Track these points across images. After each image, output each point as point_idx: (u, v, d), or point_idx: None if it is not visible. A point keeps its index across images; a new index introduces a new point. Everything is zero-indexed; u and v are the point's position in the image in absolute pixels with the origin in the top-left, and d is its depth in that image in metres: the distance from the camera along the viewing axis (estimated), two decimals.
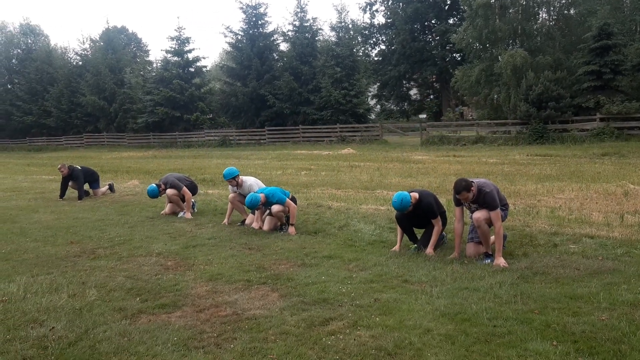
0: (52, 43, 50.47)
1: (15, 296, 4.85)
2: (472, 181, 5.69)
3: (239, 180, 8.22)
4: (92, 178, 12.07)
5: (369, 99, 39.39)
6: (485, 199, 5.61)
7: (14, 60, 48.01)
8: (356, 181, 12.66)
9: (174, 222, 8.42)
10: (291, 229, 7.30)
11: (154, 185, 9.14)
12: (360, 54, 40.52)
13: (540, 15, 29.30)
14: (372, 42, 47.57)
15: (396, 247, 6.19)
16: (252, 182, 8.20)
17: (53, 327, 4.06)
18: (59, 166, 11.95)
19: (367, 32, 46.92)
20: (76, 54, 47.20)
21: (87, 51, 45.63)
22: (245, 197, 7.72)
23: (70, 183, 11.77)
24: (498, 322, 3.87)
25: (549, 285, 4.69)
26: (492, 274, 5.02)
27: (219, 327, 4.00)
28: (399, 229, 6.35)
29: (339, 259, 5.79)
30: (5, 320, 4.26)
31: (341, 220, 7.88)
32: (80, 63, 45.28)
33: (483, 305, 4.21)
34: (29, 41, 48.97)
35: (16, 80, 46.75)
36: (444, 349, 3.50)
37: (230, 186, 8.35)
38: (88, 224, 8.45)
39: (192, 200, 9.24)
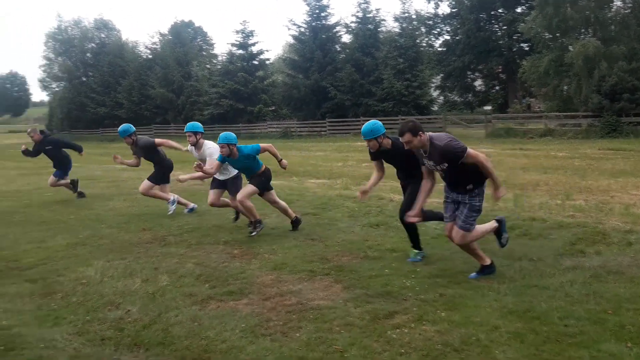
0: (124, 37, 52.60)
1: (93, 279, 5.13)
2: (420, 126, 4.69)
3: (200, 141, 7.78)
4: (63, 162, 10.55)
5: (432, 90, 38.74)
6: (443, 151, 4.55)
7: (88, 54, 50.30)
8: None
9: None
10: (284, 162, 7.02)
11: None
12: (424, 44, 39.82)
13: (615, 3, 27.81)
14: (436, 32, 46.64)
15: (365, 186, 5.73)
16: (214, 150, 7.49)
17: (129, 310, 4.27)
18: (29, 130, 10.60)
19: (431, 22, 46.03)
20: (146, 47, 49.11)
21: (157, 45, 47.28)
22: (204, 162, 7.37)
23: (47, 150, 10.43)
24: (569, 322, 3.74)
25: (623, 285, 4.49)
26: (563, 272, 4.85)
27: (284, 315, 4.08)
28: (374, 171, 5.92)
29: (403, 253, 5.76)
30: (84, 302, 4.51)
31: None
32: (150, 56, 46.99)
33: (553, 303, 4.08)
34: (103, 36, 51.18)
35: (90, 73, 49.04)
36: (513, 347, 3.43)
37: (189, 145, 7.89)
38: (159, 212, 8.79)
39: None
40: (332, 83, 34.12)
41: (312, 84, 34.71)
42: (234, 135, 6.92)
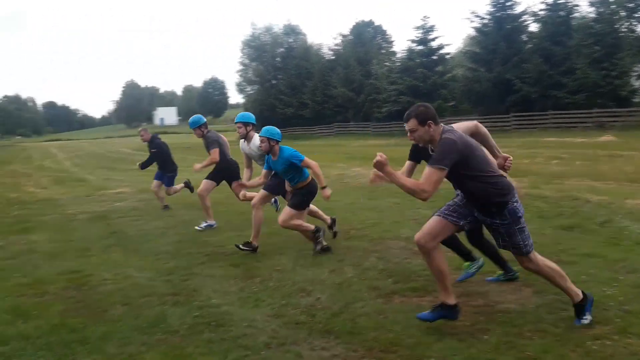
0: (309, 41, 55.48)
1: (286, 267, 5.54)
2: (433, 114, 3.62)
3: (250, 133, 6.92)
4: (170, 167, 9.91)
5: (634, 80, 34.52)
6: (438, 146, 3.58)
7: (277, 59, 54.03)
8: (619, 172, 11.28)
9: (418, 208, 8.61)
10: (326, 191, 5.95)
11: None
12: (624, 29, 35.65)
13: None
14: (637, 15, 41.46)
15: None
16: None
17: (319, 298, 4.54)
18: (140, 129, 10.44)
19: (632, 4, 41.01)
20: (329, 49, 51.33)
21: (339, 46, 49.15)
22: (250, 159, 6.89)
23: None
24: None
25: None
26: None
27: (471, 316, 4.00)
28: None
29: (601, 258, 5.26)
30: (280, 287, 4.90)
31: (602, 216, 7.13)
32: (333, 57, 49.05)
33: None
34: (290, 40, 54.60)
35: (280, 76, 52.74)
36: None
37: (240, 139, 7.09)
38: (342, 207, 9.16)
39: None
40: (517, 75, 32.22)
41: (495, 77, 33.17)
42: (278, 130, 6.03)
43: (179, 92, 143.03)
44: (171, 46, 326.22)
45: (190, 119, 8.12)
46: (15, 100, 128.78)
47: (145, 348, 3.65)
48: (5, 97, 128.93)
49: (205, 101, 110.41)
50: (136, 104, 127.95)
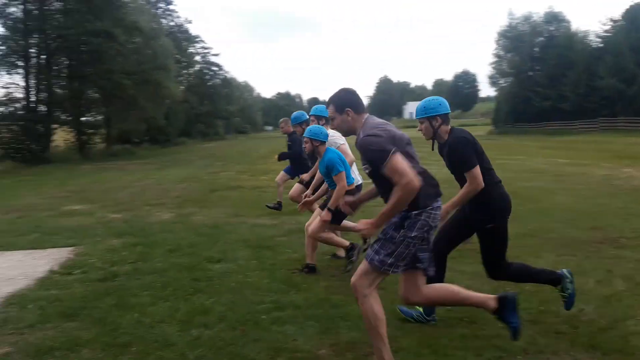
0: (573, 28, 50.64)
1: None
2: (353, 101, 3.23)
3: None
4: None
5: None
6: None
7: (536, 49, 50.62)
8: None
9: None
10: (324, 215, 5.06)
11: None
12: None
13: None
14: None
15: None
16: (331, 142, 5.49)
17: (583, 309, 4.16)
18: (281, 120, 9.34)
19: None
20: (597, 36, 46.20)
21: (608, 32, 43.87)
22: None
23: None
24: None
25: None
26: None
27: None
28: None
29: None
30: (537, 292, 4.61)
31: None
32: (601, 45, 44.03)
33: None
34: (551, 28, 50.60)
35: (537, 67, 49.40)
36: None
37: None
38: (609, 211, 8.23)
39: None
40: None
41: None
42: (323, 129, 5.30)
43: (429, 86, 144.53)
44: (423, 41, 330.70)
45: (294, 114, 7.40)
46: (285, 96, 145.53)
47: (400, 333, 3.81)
48: (278, 94, 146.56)
49: (455, 95, 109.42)
50: (388, 99, 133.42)
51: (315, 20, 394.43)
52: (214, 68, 64.12)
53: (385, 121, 3.30)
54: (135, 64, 30.14)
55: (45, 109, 29.41)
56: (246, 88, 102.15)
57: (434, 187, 3.22)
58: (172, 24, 52.87)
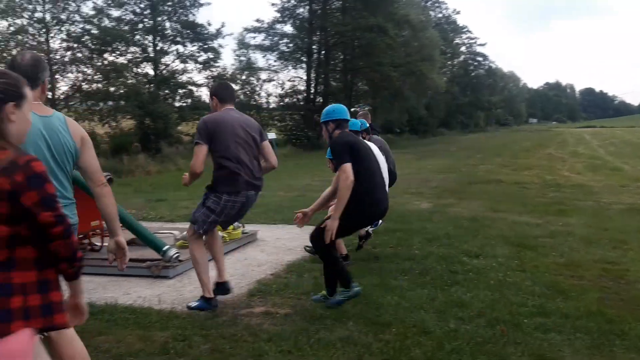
0: None
1: None
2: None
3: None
4: None
5: None
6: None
7: None
8: None
9: None
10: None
11: None
12: None
13: None
14: None
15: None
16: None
17: None
18: None
19: None
20: None
21: None
22: None
23: None
24: None
25: None
26: None
27: None
28: None
29: None
30: None
31: None
32: None
33: None
34: None
35: None
36: None
37: None
38: None
39: None
40: None
41: None
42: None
43: None
44: None
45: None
46: (555, 86, 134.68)
47: None
48: (546, 84, 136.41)
49: None
50: None
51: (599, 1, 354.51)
52: (479, 58, 62.78)
53: (236, 115, 4.22)
54: (403, 56, 31.28)
55: (321, 100, 32.57)
56: (511, 78, 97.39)
57: (236, 182, 4.12)
58: (439, 15, 53.30)
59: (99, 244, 5.93)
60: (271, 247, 6.46)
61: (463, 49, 60.27)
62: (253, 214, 8.68)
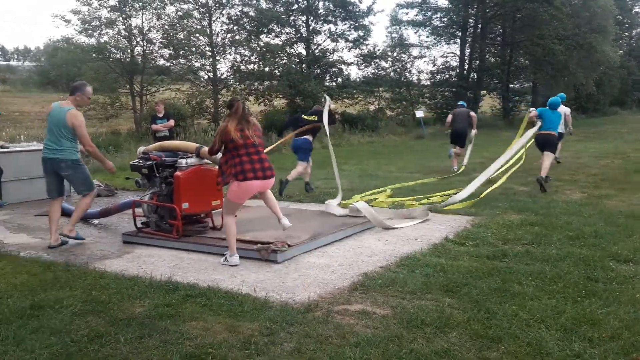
0: None
1: None
2: None
3: None
4: None
5: None
6: None
7: None
8: None
9: None
10: None
11: None
12: None
13: None
14: None
15: None
16: None
17: None
18: None
19: None
20: None
21: None
22: None
23: None
24: None
25: None
26: None
27: None
28: None
29: None
30: None
31: None
32: None
33: None
34: None
35: None
36: None
37: None
38: None
39: None
40: None
41: None
42: None
43: None
44: None
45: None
46: None
47: None
48: None
49: None
50: None
51: None
52: None
53: None
54: (569, 28, 28.27)
55: (476, 76, 30.81)
56: None
57: None
58: None
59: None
60: (389, 236, 6.10)
61: None
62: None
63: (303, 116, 9.11)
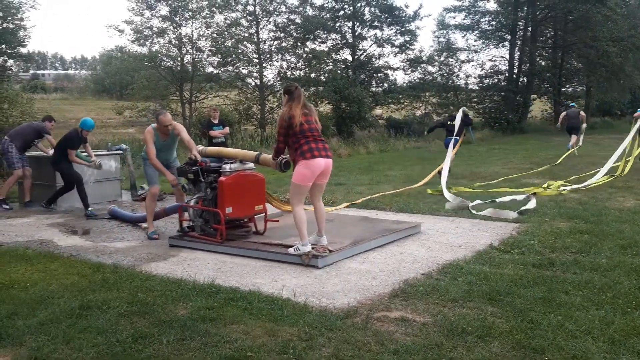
0: None
1: None
2: None
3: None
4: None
5: None
6: None
7: None
8: None
9: None
10: None
11: None
12: None
13: None
14: None
15: None
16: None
17: None
18: None
19: None
20: None
21: None
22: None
23: None
24: None
25: None
26: None
27: None
28: None
29: None
30: None
31: None
32: None
33: None
34: None
35: None
36: None
37: None
38: None
39: None
40: None
41: None
42: None
43: None
44: None
45: None
46: None
47: None
48: None
49: None
50: None
51: None
52: None
53: None
54: (625, 29, 27.26)
55: (525, 80, 30.08)
56: None
57: None
58: None
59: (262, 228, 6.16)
60: (432, 242, 6.03)
61: None
62: (422, 203, 8.31)
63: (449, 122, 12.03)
